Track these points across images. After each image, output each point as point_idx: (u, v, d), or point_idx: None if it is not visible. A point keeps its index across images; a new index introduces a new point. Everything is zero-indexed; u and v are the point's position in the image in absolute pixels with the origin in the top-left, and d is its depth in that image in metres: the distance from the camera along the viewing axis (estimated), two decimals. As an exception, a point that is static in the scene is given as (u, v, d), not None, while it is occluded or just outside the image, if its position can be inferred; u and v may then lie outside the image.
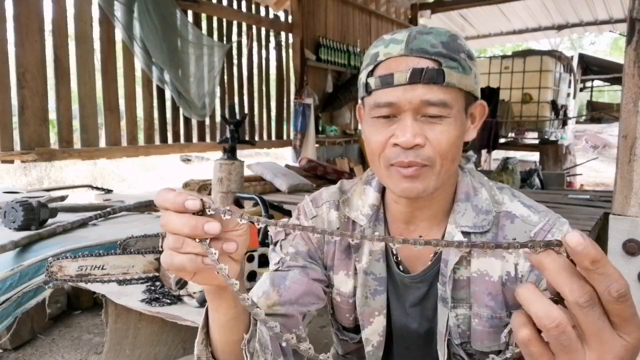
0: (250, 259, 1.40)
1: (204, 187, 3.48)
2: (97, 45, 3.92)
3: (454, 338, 0.87)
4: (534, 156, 8.79)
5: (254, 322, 0.71)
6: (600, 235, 2.73)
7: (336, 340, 1.06)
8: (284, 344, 0.80)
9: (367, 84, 0.79)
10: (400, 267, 0.91)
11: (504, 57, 9.90)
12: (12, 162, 3.47)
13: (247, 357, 0.70)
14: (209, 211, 0.55)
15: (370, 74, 0.79)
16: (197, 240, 0.55)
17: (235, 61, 5.24)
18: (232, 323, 0.68)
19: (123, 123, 4.25)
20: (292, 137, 5.79)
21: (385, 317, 0.92)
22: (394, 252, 0.91)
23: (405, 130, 0.75)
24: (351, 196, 0.94)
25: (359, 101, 0.86)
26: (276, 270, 0.89)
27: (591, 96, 14.79)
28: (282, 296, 0.84)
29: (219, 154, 2.91)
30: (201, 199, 0.55)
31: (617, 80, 11.23)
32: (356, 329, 0.97)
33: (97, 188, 3.44)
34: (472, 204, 0.85)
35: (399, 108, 0.76)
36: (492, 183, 0.90)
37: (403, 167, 0.77)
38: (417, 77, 0.73)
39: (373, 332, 0.93)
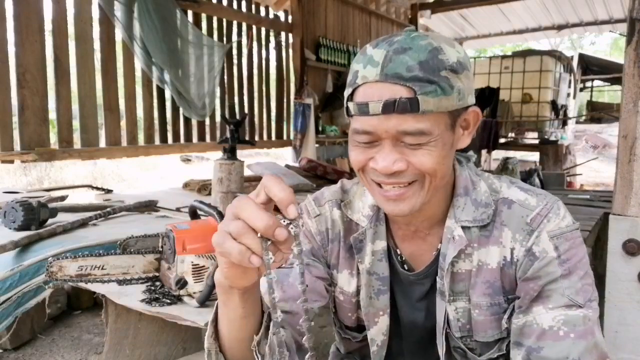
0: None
1: (204, 187, 3.48)
2: (97, 45, 3.91)
3: (454, 332, 0.88)
4: (534, 156, 8.79)
5: (266, 325, 0.72)
6: (600, 236, 2.73)
7: (338, 339, 1.06)
8: (287, 341, 0.81)
9: (347, 108, 0.78)
10: (405, 265, 0.91)
11: (504, 57, 9.91)
12: (12, 162, 3.47)
13: (258, 358, 0.71)
14: (284, 222, 0.57)
15: (350, 97, 0.78)
16: (259, 236, 0.56)
17: (235, 61, 5.24)
18: (240, 321, 0.70)
19: (123, 123, 4.25)
20: (292, 137, 5.78)
21: (389, 316, 0.92)
22: (399, 252, 0.91)
23: (384, 158, 0.75)
24: (352, 199, 0.95)
25: None
26: (279, 267, 0.90)
27: (591, 96, 14.79)
28: (285, 292, 0.85)
29: (219, 154, 2.91)
30: (288, 229, 0.57)
31: (617, 80, 11.22)
32: (358, 328, 0.97)
33: (97, 188, 3.43)
34: (471, 198, 0.85)
35: (377, 136, 0.75)
36: (487, 174, 0.91)
37: (386, 185, 0.78)
38: (390, 108, 0.72)
39: (378, 332, 0.93)
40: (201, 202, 1.42)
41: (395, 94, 0.72)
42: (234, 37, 5.22)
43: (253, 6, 5.41)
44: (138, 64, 4.18)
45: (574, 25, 9.52)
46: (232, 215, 0.58)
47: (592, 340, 0.76)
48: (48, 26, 3.56)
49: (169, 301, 1.41)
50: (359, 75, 0.75)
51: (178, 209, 2.71)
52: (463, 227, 0.84)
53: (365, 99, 0.74)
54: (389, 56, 0.73)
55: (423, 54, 0.72)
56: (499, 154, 8.57)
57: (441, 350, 0.89)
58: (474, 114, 0.81)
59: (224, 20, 5.04)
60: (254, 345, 0.70)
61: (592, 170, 10.05)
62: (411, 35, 0.75)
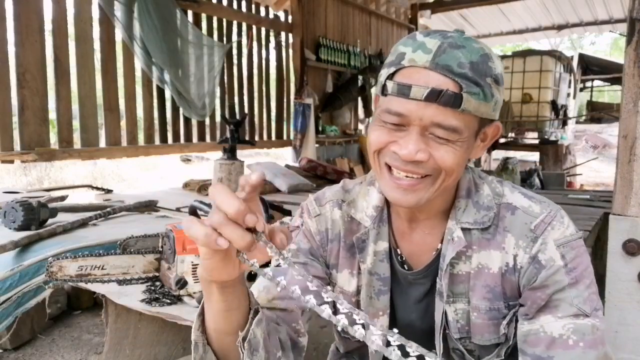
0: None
1: (204, 187, 3.48)
2: (97, 45, 3.91)
3: (453, 333, 0.88)
4: (534, 156, 8.78)
5: (250, 322, 0.72)
6: (600, 236, 2.73)
7: (338, 339, 1.06)
8: (282, 338, 0.81)
9: (384, 86, 0.77)
10: (405, 265, 0.91)
11: (504, 57, 9.88)
12: (12, 162, 3.47)
13: (242, 353, 0.72)
14: (259, 239, 0.59)
15: (391, 76, 0.76)
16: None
17: (235, 61, 5.24)
18: (223, 314, 0.71)
19: (123, 123, 4.25)
20: (292, 137, 5.78)
21: (389, 316, 0.92)
22: (399, 252, 0.91)
23: (408, 144, 0.74)
24: (356, 198, 0.95)
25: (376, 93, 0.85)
26: (277, 266, 0.90)
27: (591, 96, 14.79)
28: (281, 290, 0.85)
29: (219, 154, 2.91)
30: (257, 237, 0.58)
31: (617, 80, 11.22)
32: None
33: (97, 188, 3.43)
34: (473, 201, 0.86)
35: (408, 121, 0.74)
36: (491, 177, 0.91)
37: (399, 172, 0.77)
38: (433, 97, 0.71)
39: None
40: (201, 202, 1.41)
41: (442, 85, 0.71)
42: (234, 37, 5.22)
43: (253, 6, 5.41)
44: (138, 64, 4.18)
45: (574, 25, 9.52)
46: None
47: (602, 350, 0.76)
48: (48, 26, 3.55)
49: (169, 301, 1.41)
50: (406, 57, 0.74)
51: (178, 209, 2.71)
52: (463, 229, 0.84)
53: (410, 81, 0.73)
54: (443, 47, 0.73)
55: (475, 56, 0.73)
56: (499, 154, 8.58)
57: (438, 351, 0.89)
58: (495, 128, 0.82)
59: (224, 20, 5.04)
60: (238, 341, 0.71)
61: (592, 170, 10.05)
62: (464, 36, 0.76)
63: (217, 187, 0.58)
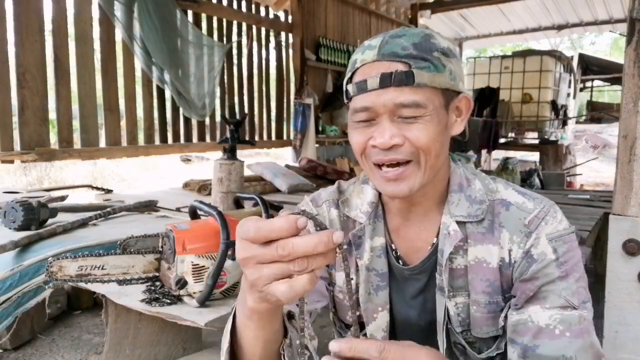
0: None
1: (204, 187, 3.48)
2: (97, 45, 3.92)
3: (455, 326, 0.88)
4: (534, 156, 8.79)
5: (291, 329, 0.74)
6: (600, 236, 2.73)
7: (338, 338, 1.06)
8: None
9: (347, 91, 0.83)
10: (400, 261, 0.92)
11: (504, 57, 9.91)
12: (12, 162, 3.47)
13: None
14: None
15: (349, 80, 0.82)
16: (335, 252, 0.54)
17: (235, 61, 5.24)
18: (276, 336, 0.71)
19: (123, 123, 4.25)
20: (292, 137, 5.78)
21: (389, 312, 0.93)
22: (394, 247, 0.92)
23: (382, 133, 0.78)
24: (350, 196, 0.96)
25: None
26: None
27: (591, 96, 14.79)
28: None
29: (219, 154, 2.91)
30: (304, 215, 0.53)
31: (617, 80, 11.22)
32: (358, 326, 0.98)
33: (97, 188, 3.43)
34: (465, 195, 0.87)
35: (375, 112, 0.79)
36: (484, 174, 0.92)
37: (385, 167, 0.80)
38: (387, 81, 0.76)
39: (377, 328, 0.94)
40: (201, 202, 1.42)
41: (392, 68, 0.77)
42: (234, 37, 5.22)
43: (253, 6, 5.41)
44: (138, 64, 4.18)
45: (574, 25, 9.53)
46: (256, 258, 0.54)
47: (588, 340, 0.78)
48: (48, 26, 3.56)
49: (169, 301, 1.41)
50: (357, 60, 0.82)
51: (178, 209, 2.71)
52: (458, 222, 0.85)
53: (364, 76, 0.79)
54: (385, 40, 0.79)
55: (416, 38, 0.79)
56: (499, 154, 8.57)
57: (442, 346, 0.89)
58: (465, 100, 0.85)
59: (224, 20, 5.04)
60: (282, 348, 0.72)
61: (592, 170, 10.05)
62: (405, 28, 0.83)
63: (289, 243, 0.52)
